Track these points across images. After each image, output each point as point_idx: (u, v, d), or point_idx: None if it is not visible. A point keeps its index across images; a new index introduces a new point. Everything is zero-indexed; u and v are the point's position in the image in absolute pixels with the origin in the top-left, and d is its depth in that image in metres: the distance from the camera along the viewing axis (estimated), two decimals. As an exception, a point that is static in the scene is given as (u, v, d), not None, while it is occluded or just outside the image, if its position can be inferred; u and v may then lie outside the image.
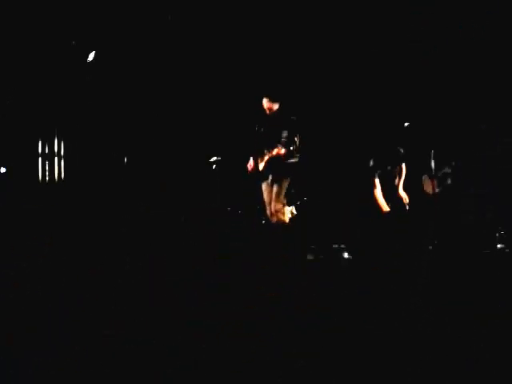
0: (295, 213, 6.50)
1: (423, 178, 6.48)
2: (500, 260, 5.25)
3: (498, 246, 5.63)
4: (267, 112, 5.64)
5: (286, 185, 5.63)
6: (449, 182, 6.32)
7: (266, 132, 5.68)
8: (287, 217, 5.90)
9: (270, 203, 5.71)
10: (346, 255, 5.47)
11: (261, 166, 5.67)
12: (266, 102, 5.62)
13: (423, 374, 1.91)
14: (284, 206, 5.75)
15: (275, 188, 5.61)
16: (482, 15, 6.05)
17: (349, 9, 6.63)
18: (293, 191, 6.62)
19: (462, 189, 6.23)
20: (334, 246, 5.84)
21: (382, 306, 3.02)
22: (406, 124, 6.06)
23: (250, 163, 5.76)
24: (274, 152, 5.41)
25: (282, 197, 5.63)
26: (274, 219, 5.62)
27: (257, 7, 6.70)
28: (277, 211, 5.60)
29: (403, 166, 6.17)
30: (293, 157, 5.49)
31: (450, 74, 6.65)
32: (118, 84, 7.00)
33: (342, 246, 5.71)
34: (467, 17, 6.14)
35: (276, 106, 5.60)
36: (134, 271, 4.28)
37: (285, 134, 5.47)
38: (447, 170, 6.36)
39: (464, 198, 6.15)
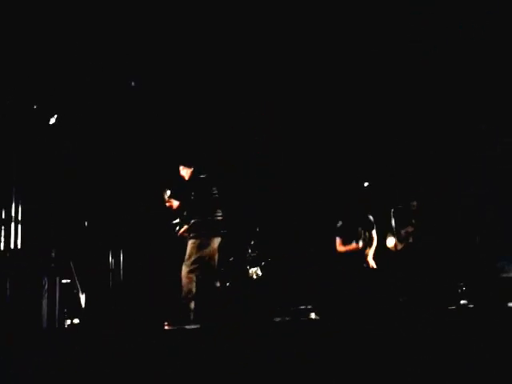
0: (260, 274, 6.45)
1: (387, 235, 6.59)
2: (464, 316, 5.29)
3: (462, 301, 5.70)
4: (186, 178, 5.70)
5: (193, 247, 5.31)
6: (410, 240, 6.43)
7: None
8: (187, 285, 5.25)
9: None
10: (313, 316, 5.41)
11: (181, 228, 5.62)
12: (182, 170, 5.70)
13: None
14: (190, 271, 5.25)
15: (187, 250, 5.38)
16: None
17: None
18: (254, 254, 6.57)
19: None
20: (300, 307, 5.78)
21: (354, 368, 2.97)
22: (365, 184, 6.21)
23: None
24: (167, 204, 5.51)
25: (189, 261, 5.27)
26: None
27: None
28: (182, 276, 5.26)
29: (374, 234, 6.22)
30: (200, 216, 5.39)
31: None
32: (80, 146, 6.97)
33: (309, 306, 5.66)
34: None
35: (190, 170, 5.67)
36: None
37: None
38: (409, 228, 6.48)
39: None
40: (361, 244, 6.10)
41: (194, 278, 5.27)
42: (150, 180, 7.01)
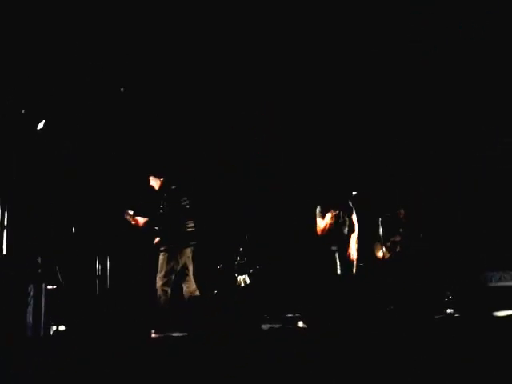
0: (248, 281, 6.44)
1: (375, 244, 6.59)
2: (450, 325, 5.31)
3: (448, 310, 5.72)
4: (156, 188, 5.68)
5: (163, 260, 5.36)
6: (398, 249, 6.45)
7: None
8: (168, 297, 5.32)
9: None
10: (300, 324, 5.40)
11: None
12: (152, 180, 5.69)
13: None
14: (163, 284, 5.30)
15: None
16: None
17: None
18: (242, 261, 6.56)
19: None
20: (288, 314, 5.77)
21: (341, 376, 2.96)
22: (353, 193, 6.23)
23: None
24: (133, 223, 5.51)
25: (161, 274, 5.32)
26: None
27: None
28: (157, 289, 5.30)
29: (354, 219, 6.22)
30: (170, 227, 5.39)
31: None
32: (67, 152, 6.92)
33: (297, 314, 5.65)
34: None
35: (159, 181, 5.65)
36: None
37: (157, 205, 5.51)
38: (397, 238, 6.50)
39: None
40: (334, 213, 6.07)
41: (169, 291, 5.34)
42: (138, 186, 6.98)
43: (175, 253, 5.36)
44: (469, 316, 5.36)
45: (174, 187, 5.53)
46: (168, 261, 5.33)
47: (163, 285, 5.29)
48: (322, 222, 6.09)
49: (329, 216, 6.03)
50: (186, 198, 5.52)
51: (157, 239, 5.57)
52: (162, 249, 5.42)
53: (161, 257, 5.39)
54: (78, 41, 6.18)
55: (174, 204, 5.44)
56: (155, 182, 5.65)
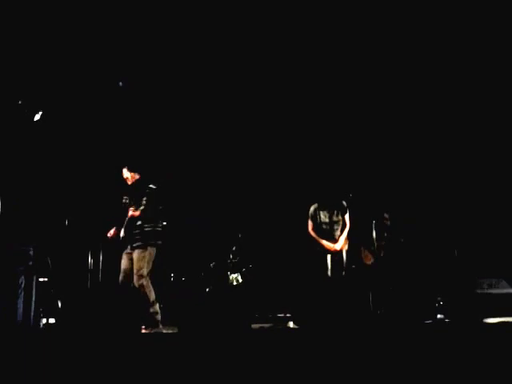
0: (240, 280, 6.44)
1: (363, 249, 6.56)
2: (440, 330, 5.33)
3: (438, 316, 5.74)
4: (128, 182, 5.64)
5: (143, 257, 5.31)
6: (382, 254, 6.42)
7: (128, 201, 5.59)
8: (152, 292, 5.30)
9: (125, 271, 5.41)
10: (291, 324, 5.41)
11: (122, 232, 5.49)
12: (125, 172, 5.65)
13: None
14: (148, 280, 5.28)
15: (135, 260, 5.34)
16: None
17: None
18: (235, 260, 6.57)
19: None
20: (279, 314, 5.77)
21: (330, 379, 2.97)
22: (350, 195, 6.23)
23: (111, 231, 5.58)
24: (129, 214, 5.39)
25: (145, 271, 5.27)
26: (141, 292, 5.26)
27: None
28: (140, 286, 5.24)
29: (347, 219, 6.25)
30: (151, 225, 5.37)
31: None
32: (62, 144, 6.91)
33: (288, 314, 5.65)
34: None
35: (136, 176, 5.61)
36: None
37: (143, 201, 5.42)
38: (381, 242, 6.46)
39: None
40: (331, 245, 6.12)
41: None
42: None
43: (153, 250, 5.37)
44: (459, 322, 5.38)
45: (155, 187, 5.51)
46: (149, 258, 5.33)
47: (148, 281, 5.29)
48: (314, 232, 6.17)
49: (323, 242, 6.09)
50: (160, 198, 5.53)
51: (112, 231, 5.52)
52: (139, 244, 5.38)
53: (141, 254, 5.30)
54: (76, 37, 6.17)
55: (157, 202, 5.44)
56: (129, 175, 5.61)
